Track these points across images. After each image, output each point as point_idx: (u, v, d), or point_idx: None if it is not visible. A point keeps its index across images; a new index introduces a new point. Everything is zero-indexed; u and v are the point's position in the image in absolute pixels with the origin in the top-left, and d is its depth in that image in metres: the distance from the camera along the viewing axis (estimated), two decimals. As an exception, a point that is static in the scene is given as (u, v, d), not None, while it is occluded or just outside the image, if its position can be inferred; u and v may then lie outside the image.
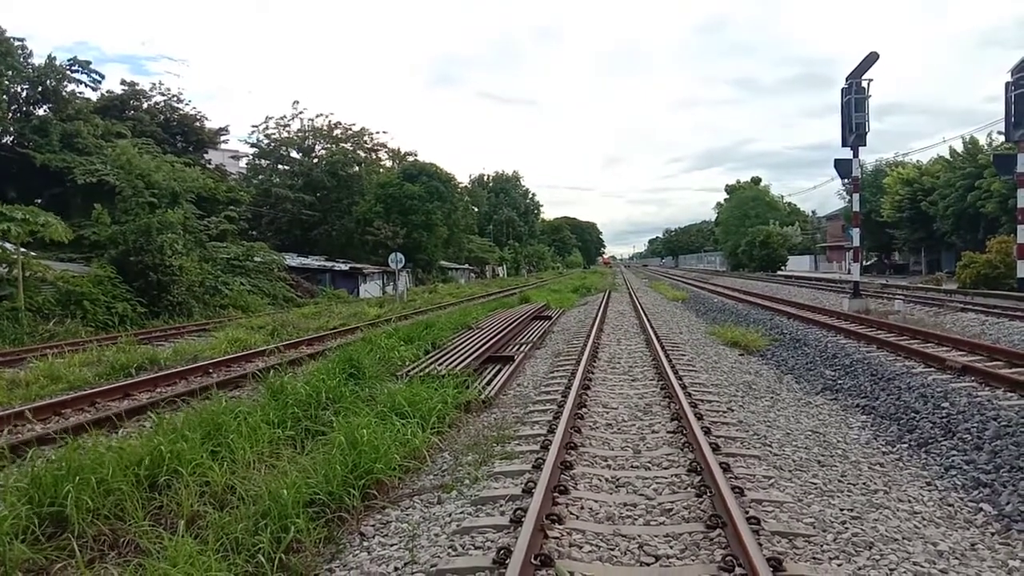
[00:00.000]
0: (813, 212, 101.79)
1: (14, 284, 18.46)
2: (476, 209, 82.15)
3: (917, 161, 51.29)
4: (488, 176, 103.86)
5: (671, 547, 4.28)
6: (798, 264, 73.92)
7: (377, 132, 60.29)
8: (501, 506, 5.03)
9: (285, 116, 54.96)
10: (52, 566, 4.23)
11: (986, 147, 39.27)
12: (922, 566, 4.09)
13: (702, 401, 8.42)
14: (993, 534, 4.67)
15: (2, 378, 11.00)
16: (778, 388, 9.92)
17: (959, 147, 41.73)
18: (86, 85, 33.35)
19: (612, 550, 4.27)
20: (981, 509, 5.07)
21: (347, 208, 52.86)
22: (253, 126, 58.42)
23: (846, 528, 4.61)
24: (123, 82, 41.80)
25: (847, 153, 20.93)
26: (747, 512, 4.55)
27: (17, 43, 29.76)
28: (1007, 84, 22.93)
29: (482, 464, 6.17)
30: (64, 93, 32.04)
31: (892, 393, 8.62)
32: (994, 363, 9.77)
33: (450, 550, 4.33)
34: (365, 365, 9.56)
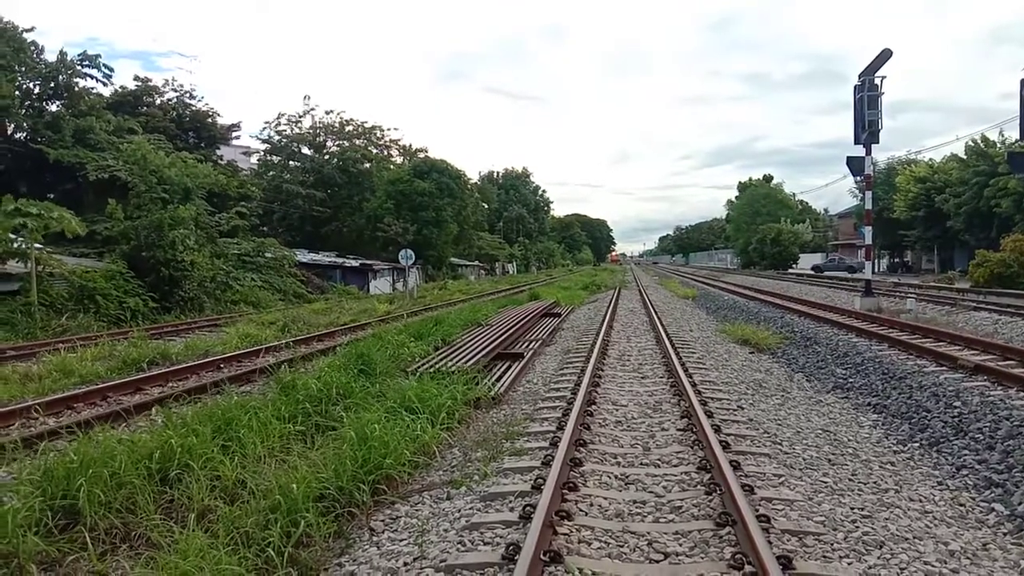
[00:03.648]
0: (825, 210, 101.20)
1: (28, 278, 18.62)
2: (486, 206, 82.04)
3: (930, 159, 51.00)
4: (498, 173, 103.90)
5: (680, 544, 4.27)
6: (809, 262, 73.49)
7: (389, 129, 60.31)
8: (510, 502, 5.03)
9: (297, 113, 55.10)
10: (64, 558, 4.26)
11: (999, 144, 38.94)
12: (933, 566, 4.06)
13: (712, 399, 8.39)
14: (1005, 534, 4.64)
15: (16, 372, 11.11)
16: (789, 386, 9.88)
17: (972, 145, 41.41)
18: (97, 80, 33.56)
19: (621, 547, 4.26)
20: (993, 509, 5.03)
21: (358, 205, 52.90)
22: (265, 122, 58.56)
23: (857, 527, 4.58)
24: (136, 78, 42.07)
25: (860, 151, 20.75)
26: (757, 510, 4.53)
27: (27, 34, 29.92)
28: (1022, 81, 22.67)
29: (491, 460, 6.17)
30: (76, 88, 32.23)
31: (903, 392, 8.57)
32: (1007, 362, 9.70)
33: (459, 546, 4.34)
34: (375, 361, 9.57)
